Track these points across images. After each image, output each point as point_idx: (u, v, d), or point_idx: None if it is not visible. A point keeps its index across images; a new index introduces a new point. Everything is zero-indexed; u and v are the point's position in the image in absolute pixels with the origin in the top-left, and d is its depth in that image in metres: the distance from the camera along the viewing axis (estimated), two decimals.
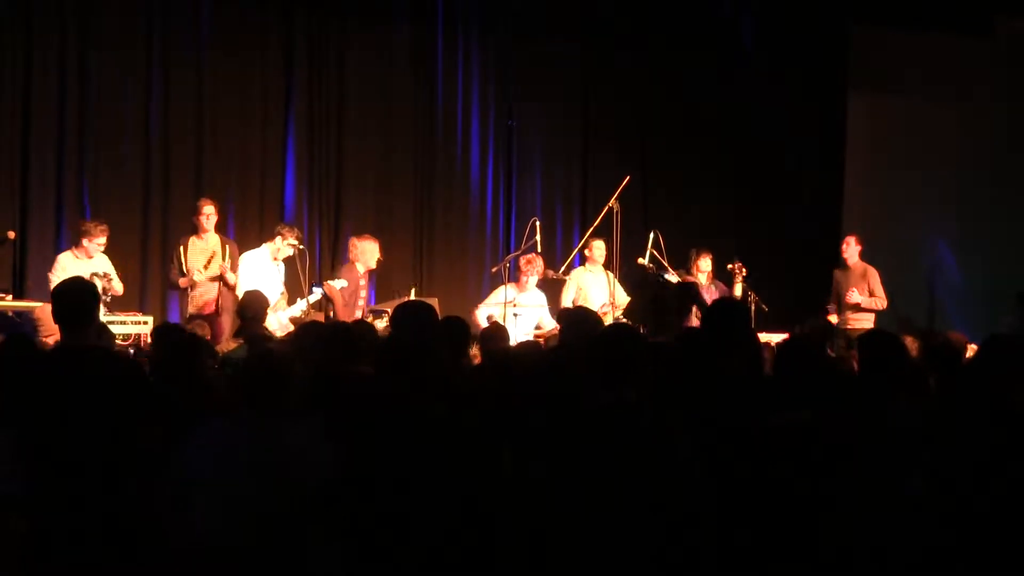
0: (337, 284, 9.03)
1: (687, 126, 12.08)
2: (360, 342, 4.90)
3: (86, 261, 8.64)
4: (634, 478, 3.43)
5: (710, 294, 9.40)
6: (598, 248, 9.87)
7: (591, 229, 10.06)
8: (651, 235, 9.61)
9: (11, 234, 9.05)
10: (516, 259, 9.70)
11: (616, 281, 9.64)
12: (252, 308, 6.95)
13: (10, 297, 8.69)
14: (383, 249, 9.72)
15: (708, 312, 4.68)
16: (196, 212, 9.15)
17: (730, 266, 9.71)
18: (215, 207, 9.19)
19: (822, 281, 10.54)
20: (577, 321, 5.29)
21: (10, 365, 4.69)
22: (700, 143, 12.07)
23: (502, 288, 9.41)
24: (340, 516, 3.63)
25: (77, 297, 4.23)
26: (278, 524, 3.68)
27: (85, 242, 8.68)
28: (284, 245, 9.11)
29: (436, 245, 11.38)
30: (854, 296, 10.00)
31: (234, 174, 10.57)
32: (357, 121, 11.04)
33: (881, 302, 10.11)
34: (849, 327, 9.93)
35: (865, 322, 9.88)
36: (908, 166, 12.56)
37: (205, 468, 3.72)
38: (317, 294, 8.42)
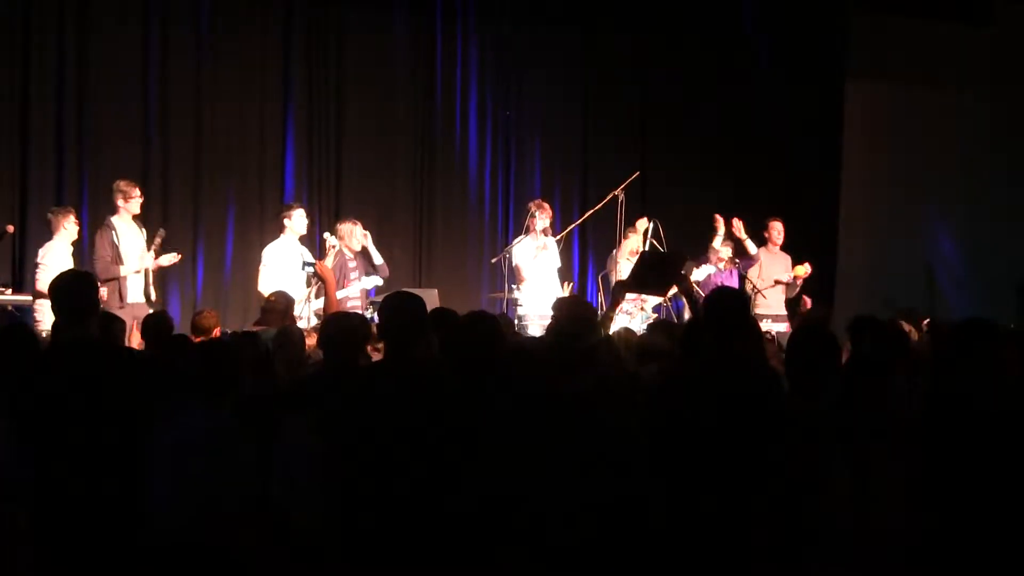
0: (370, 282, 8.98)
1: (686, 116, 12.06)
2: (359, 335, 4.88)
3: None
4: (594, 467, 3.47)
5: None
6: (635, 241, 9.77)
7: (590, 212, 10.04)
8: (650, 225, 9.60)
9: (10, 228, 9.02)
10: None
11: None
12: (281, 303, 7.06)
13: (10, 291, 8.68)
14: (385, 241, 9.70)
15: (706, 301, 4.66)
16: (125, 197, 8.59)
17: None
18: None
19: (820, 270, 10.52)
20: (570, 315, 5.20)
21: (10, 356, 4.68)
22: (699, 132, 12.05)
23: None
24: (326, 508, 3.64)
25: (76, 289, 4.20)
26: (234, 520, 3.68)
27: (67, 225, 8.46)
28: (297, 222, 8.96)
29: (436, 236, 11.38)
30: (786, 276, 10.03)
31: (233, 167, 10.57)
32: (356, 113, 11.04)
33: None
34: (760, 311, 9.91)
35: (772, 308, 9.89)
36: (907, 154, 12.56)
37: (161, 462, 3.73)
38: (309, 271, 8.35)
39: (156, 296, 8.70)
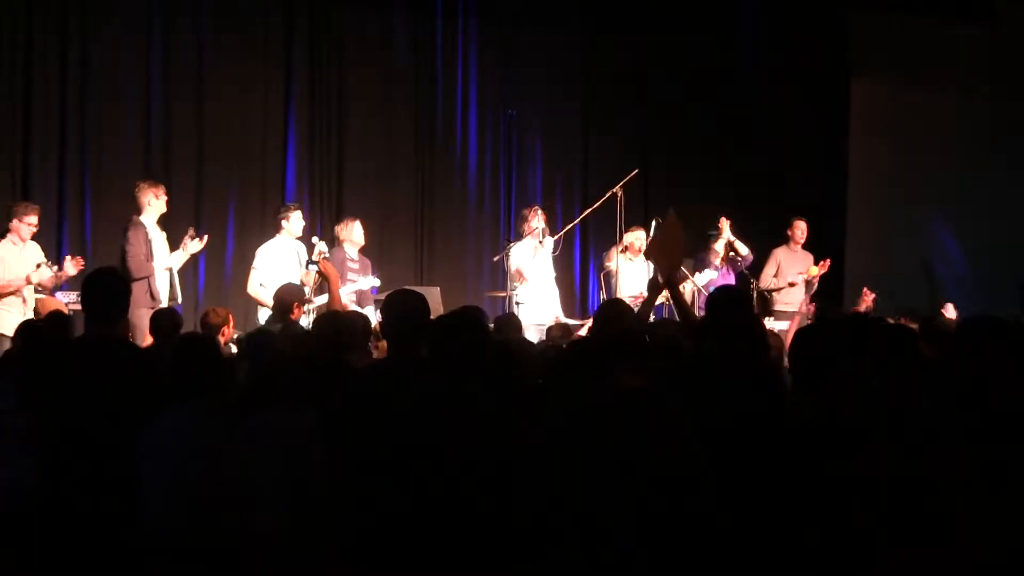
0: (367, 283, 8.99)
1: (688, 114, 12.06)
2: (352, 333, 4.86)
3: (21, 246, 8.26)
4: (642, 472, 3.39)
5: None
6: (638, 239, 9.78)
7: (590, 210, 10.04)
8: (653, 223, 9.59)
9: None
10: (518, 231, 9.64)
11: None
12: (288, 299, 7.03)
13: None
14: (386, 239, 9.72)
15: (709, 301, 4.65)
16: (156, 195, 8.54)
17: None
18: None
19: (829, 269, 10.49)
20: (611, 317, 5.09)
21: (33, 354, 4.70)
22: (701, 131, 12.04)
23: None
24: (332, 512, 3.61)
25: (108, 289, 4.20)
26: (225, 517, 3.67)
27: (15, 223, 8.22)
28: (295, 223, 8.95)
29: (437, 234, 11.38)
30: (799, 278, 10.04)
31: (235, 167, 10.57)
32: (357, 112, 11.04)
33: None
34: (779, 308, 9.93)
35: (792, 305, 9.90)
36: (910, 152, 12.54)
37: (147, 462, 3.73)
38: (312, 270, 8.34)
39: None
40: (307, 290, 8.32)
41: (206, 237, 8.88)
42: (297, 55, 10.78)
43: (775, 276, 10.02)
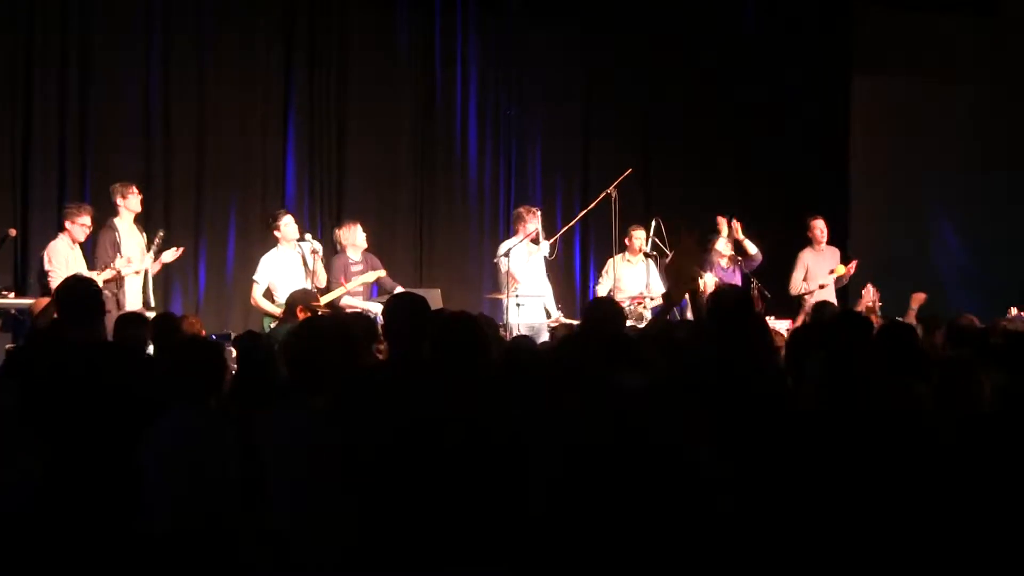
0: (372, 276, 9.05)
1: (689, 113, 12.03)
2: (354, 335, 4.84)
3: (77, 249, 8.42)
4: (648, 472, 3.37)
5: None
6: (638, 238, 9.78)
7: (584, 211, 10.03)
8: (653, 223, 9.58)
9: (12, 232, 9.05)
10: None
11: (656, 271, 9.56)
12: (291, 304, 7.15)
13: (12, 295, 8.68)
14: (386, 240, 9.74)
15: (711, 299, 4.64)
16: (123, 195, 8.61)
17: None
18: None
19: None
20: (600, 317, 5.07)
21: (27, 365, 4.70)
22: (702, 130, 12.01)
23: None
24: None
25: (82, 294, 4.22)
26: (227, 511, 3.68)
27: (68, 224, 8.40)
28: (287, 229, 8.97)
29: (438, 236, 11.37)
30: (829, 279, 10.05)
31: (235, 169, 10.58)
32: (357, 114, 11.05)
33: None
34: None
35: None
36: (911, 147, 12.52)
37: (152, 463, 3.74)
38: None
39: (156, 302, 8.70)
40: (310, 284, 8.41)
41: (181, 249, 8.89)
42: (297, 57, 10.79)
43: (804, 280, 10.04)
